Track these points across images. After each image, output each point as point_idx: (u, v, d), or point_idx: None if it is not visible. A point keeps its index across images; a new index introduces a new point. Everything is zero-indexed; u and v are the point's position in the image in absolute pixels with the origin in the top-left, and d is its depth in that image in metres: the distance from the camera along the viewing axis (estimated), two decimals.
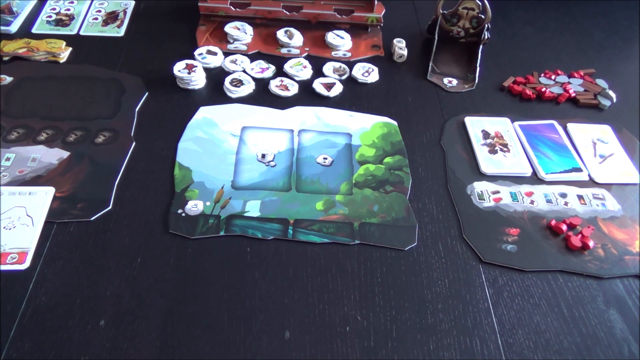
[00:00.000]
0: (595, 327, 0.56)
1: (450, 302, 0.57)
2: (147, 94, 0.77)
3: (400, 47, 0.88)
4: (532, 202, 0.68)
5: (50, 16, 0.89)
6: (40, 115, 0.72)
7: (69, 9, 0.91)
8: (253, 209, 0.63)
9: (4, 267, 0.55)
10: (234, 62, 0.84)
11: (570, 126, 0.78)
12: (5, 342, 0.50)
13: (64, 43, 0.84)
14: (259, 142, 0.72)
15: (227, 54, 0.85)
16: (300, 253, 0.60)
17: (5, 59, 0.81)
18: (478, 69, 0.85)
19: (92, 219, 0.61)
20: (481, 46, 0.87)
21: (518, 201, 0.67)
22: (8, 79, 0.77)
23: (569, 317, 0.56)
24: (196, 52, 0.84)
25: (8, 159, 0.66)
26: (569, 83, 0.85)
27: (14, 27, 0.86)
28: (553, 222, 0.64)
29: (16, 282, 0.54)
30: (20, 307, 0.52)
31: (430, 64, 0.86)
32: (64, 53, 0.83)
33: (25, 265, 0.55)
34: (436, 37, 0.88)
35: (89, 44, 0.86)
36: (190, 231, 0.60)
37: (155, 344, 0.51)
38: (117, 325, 0.52)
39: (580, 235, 0.63)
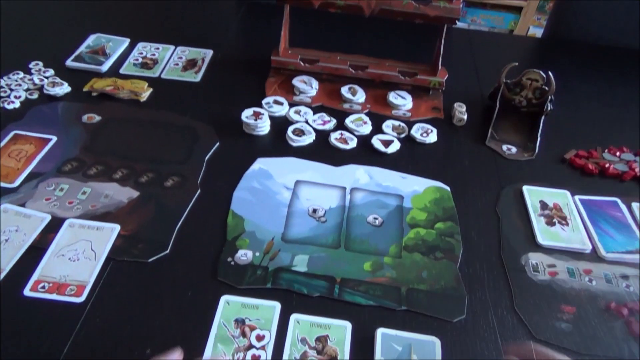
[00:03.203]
0: None
1: None
2: (218, 143, 0.81)
3: (460, 111, 0.89)
4: (590, 280, 0.65)
5: (137, 59, 0.98)
6: (119, 155, 0.77)
7: (154, 54, 1.00)
8: (301, 263, 0.64)
9: (62, 298, 0.57)
10: (298, 112, 0.88)
11: (635, 206, 0.75)
12: None
13: (146, 84, 0.92)
14: (311, 196, 0.74)
15: (292, 104, 0.90)
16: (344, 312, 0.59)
17: (94, 94, 0.89)
18: (539, 139, 0.85)
19: (150, 260, 0.63)
20: (543, 117, 0.87)
21: (575, 278, 0.65)
22: (97, 118, 0.84)
23: None
24: (264, 101, 0.89)
25: (84, 193, 0.70)
26: (635, 161, 0.83)
27: (105, 67, 0.95)
28: (613, 305, 0.61)
29: (69, 313, 0.56)
30: (69, 338, 0.54)
31: (489, 130, 0.87)
32: (145, 93, 0.90)
33: (82, 298, 0.57)
34: (497, 104, 0.89)
35: (168, 86, 0.93)
36: (238, 281, 0.61)
37: None
38: None
39: None
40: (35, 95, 0.87)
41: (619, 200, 0.76)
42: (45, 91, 0.88)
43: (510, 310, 0.61)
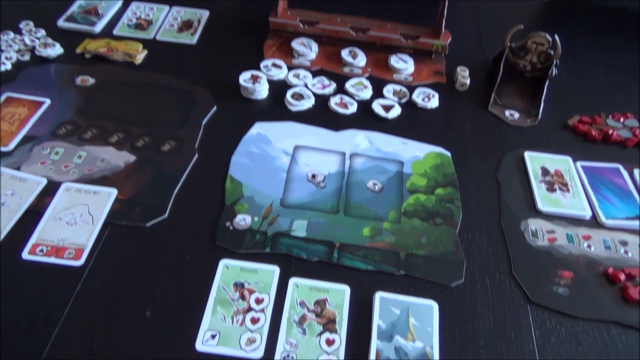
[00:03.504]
0: None
1: (494, 339, 0.55)
2: (215, 107, 0.80)
3: (463, 75, 0.88)
4: (589, 246, 0.65)
5: (131, 20, 0.95)
6: (115, 118, 0.76)
7: (148, 15, 0.97)
8: (300, 228, 0.64)
9: (60, 262, 0.57)
10: (297, 76, 0.86)
11: (637, 172, 0.74)
12: (56, 326, 0.52)
13: (141, 46, 0.89)
14: (310, 162, 0.73)
15: (291, 68, 0.88)
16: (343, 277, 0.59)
17: (87, 56, 0.87)
18: (542, 104, 0.84)
19: (148, 225, 0.62)
20: (547, 82, 0.85)
21: (574, 244, 0.65)
22: (91, 80, 0.82)
23: None
24: (262, 64, 0.87)
25: (80, 157, 0.69)
26: (638, 128, 0.82)
27: (98, 28, 0.92)
28: (610, 270, 0.61)
29: (69, 276, 0.56)
30: (69, 300, 0.54)
31: (492, 95, 0.85)
32: (140, 55, 0.88)
33: (80, 262, 0.57)
34: (501, 69, 0.87)
35: (163, 48, 0.91)
36: (237, 245, 0.61)
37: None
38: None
39: (639, 287, 0.60)
40: (26, 57, 0.85)
41: (621, 167, 0.75)
42: (36, 52, 0.85)
43: (508, 275, 0.61)
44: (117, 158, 0.70)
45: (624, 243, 0.66)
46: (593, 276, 0.62)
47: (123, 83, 0.83)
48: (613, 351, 0.55)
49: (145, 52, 0.89)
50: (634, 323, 0.57)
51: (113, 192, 0.65)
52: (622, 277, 0.61)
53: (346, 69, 0.90)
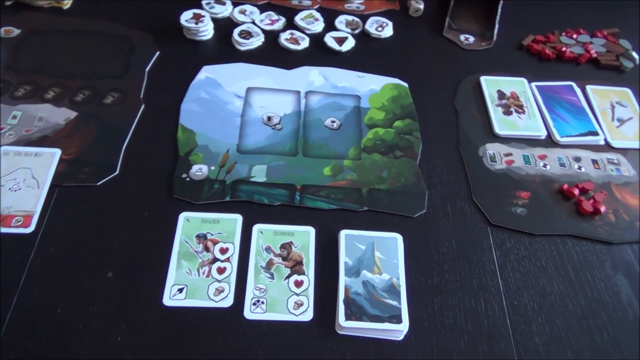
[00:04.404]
0: (601, 291, 0.56)
1: (457, 263, 0.57)
2: (158, 53, 0.74)
3: (416, 0, 0.84)
4: (544, 165, 0.66)
5: None
6: (48, 72, 0.70)
7: None
8: (259, 174, 0.62)
9: (9, 230, 0.54)
10: (243, 12, 0.81)
11: (589, 88, 0.75)
12: (13, 297, 0.50)
13: None
14: (264, 104, 0.70)
15: (236, 3, 0.82)
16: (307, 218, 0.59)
17: (8, 3, 0.79)
18: (497, 25, 0.82)
19: (99, 183, 0.59)
20: (501, 1, 0.83)
21: (530, 164, 0.66)
22: (16, 31, 0.74)
23: (575, 281, 0.56)
24: (204, 1, 0.81)
25: (15, 117, 0.64)
26: (590, 43, 0.82)
27: None
28: (565, 186, 0.63)
29: (20, 245, 0.54)
30: (24, 269, 0.52)
31: (447, 20, 0.83)
32: None
33: (30, 229, 0.55)
34: None
35: None
36: (195, 196, 0.59)
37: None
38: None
39: (592, 200, 0.62)
40: None
41: (574, 84, 0.76)
42: None
43: (468, 200, 0.62)
44: (56, 115, 0.65)
45: (577, 159, 0.67)
46: (549, 194, 0.63)
47: (52, 32, 0.76)
48: (569, 262, 0.58)
49: None
50: (587, 234, 0.60)
51: (57, 153, 0.61)
52: (576, 192, 0.63)
53: (295, 1, 0.85)
